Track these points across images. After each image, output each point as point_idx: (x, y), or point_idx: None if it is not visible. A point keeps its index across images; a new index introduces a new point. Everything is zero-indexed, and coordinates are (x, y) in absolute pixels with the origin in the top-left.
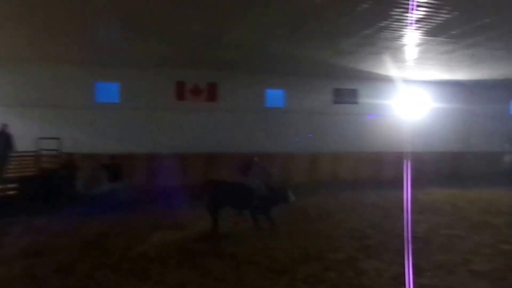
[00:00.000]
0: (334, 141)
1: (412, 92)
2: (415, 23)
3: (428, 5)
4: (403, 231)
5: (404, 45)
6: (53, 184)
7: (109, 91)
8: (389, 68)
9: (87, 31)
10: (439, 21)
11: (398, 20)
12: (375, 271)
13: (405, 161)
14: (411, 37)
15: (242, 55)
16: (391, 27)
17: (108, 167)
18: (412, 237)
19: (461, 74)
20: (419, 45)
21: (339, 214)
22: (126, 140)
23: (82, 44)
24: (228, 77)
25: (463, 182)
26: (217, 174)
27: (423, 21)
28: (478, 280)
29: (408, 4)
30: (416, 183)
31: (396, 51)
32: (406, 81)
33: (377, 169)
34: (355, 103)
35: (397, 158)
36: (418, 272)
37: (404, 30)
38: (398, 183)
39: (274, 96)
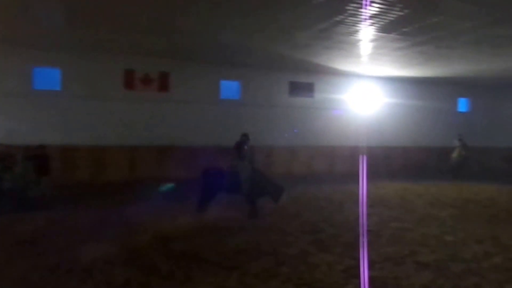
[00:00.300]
0: (290, 135)
1: (366, 87)
2: (369, 19)
3: (382, 2)
4: (355, 224)
5: (358, 40)
6: None
7: (49, 77)
8: (344, 63)
9: (24, 9)
10: (392, 18)
11: (353, 15)
12: (327, 265)
13: (359, 156)
14: (365, 32)
15: (196, 44)
16: (346, 22)
17: (32, 158)
18: (364, 230)
19: (412, 71)
20: (373, 41)
21: (293, 208)
22: (68, 131)
23: (18, 24)
24: (181, 66)
25: (412, 176)
26: (169, 168)
27: (377, 17)
28: (422, 271)
29: (362, 0)
30: (368, 177)
31: (351, 46)
32: (361, 76)
33: (332, 163)
34: (311, 96)
35: (352, 153)
36: (368, 264)
37: (359, 25)
38: (352, 177)
39: (229, 88)
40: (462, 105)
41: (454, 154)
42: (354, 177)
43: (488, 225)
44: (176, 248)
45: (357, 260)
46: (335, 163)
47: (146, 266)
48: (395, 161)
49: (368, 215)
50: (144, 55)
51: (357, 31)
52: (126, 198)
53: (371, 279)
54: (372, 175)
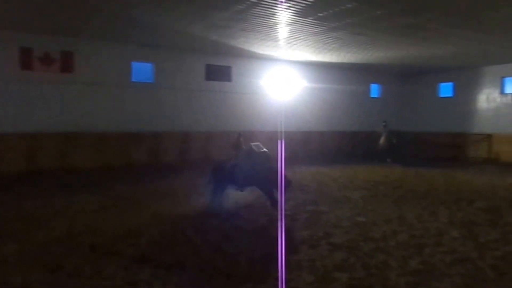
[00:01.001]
0: (207, 120)
1: (284, 72)
2: (286, 2)
3: None
4: (271, 209)
5: (276, 23)
6: None
7: None
8: (262, 46)
9: None
10: (308, 2)
11: None
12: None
13: (277, 140)
14: (282, 16)
15: (102, 21)
16: (262, 3)
17: None
18: (281, 214)
19: (328, 56)
20: (290, 24)
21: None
22: None
23: None
24: (87, 46)
25: (328, 160)
26: (75, 158)
27: (293, 1)
28: (336, 252)
29: None
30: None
31: (268, 29)
32: (279, 60)
33: None
34: (229, 80)
35: (270, 137)
36: (284, 248)
37: (275, 8)
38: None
39: (142, 70)
40: (374, 90)
41: (381, 140)
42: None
43: (396, 205)
44: (84, 242)
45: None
46: None
47: (50, 264)
48: (312, 146)
49: (286, 199)
50: (43, 32)
51: (274, 14)
52: (23, 191)
53: (287, 262)
54: (290, 160)
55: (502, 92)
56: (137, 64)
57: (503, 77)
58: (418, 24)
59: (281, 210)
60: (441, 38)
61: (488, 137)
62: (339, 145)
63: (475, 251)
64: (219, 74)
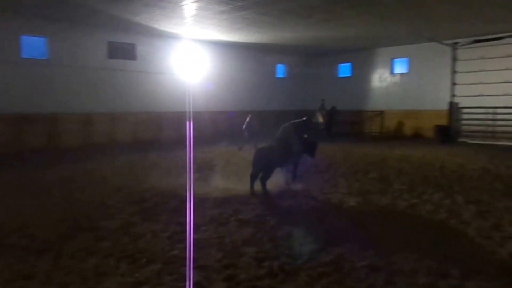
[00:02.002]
0: (111, 100)
1: (193, 51)
2: None
3: None
4: (181, 190)
5: (181, 0)
6: None
7: None
8: (168, 24)
9: None
10: None
11: None
12: (151, 233)
13: (186, 121)
14: None
15: None
16: None
17: None
18: (190, 195)
19: (236, 36)
20: (196, 1)
21: (116, 179)
22: None
23: None
24: None
25: (237, 139)
26: None
27: None
28: (244, 227)
29: None
30: (195, 142)
31: (173, 6)
32: (187, 39)
33: (158, 129)
34: (134, 59)
35: (179, 118)
36: (193, 228)
37: None
38: (179, 143)
39: (34, 44)
40: (280, 71)
41: (319, 119)
42: (182, 143)
43: (302, 179)
44: None
45: (183, 225)
46: (162, 130)
47: None
48: (221, 126)
49: (195, 180)
50: None
51: None
52: None
53: (196, 241)
54: (200, 140)
55: (392, 72)
56: (28, 38)
57: (392, 59)
58: (318, 6)
59: (190, 190)
60: (339, 20)
61: (381, 113)
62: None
63: (369, 216)
64: (122, 52)
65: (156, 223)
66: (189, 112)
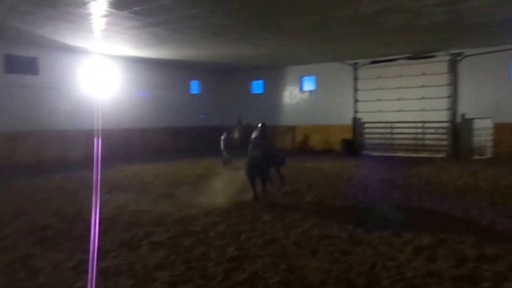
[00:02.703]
0: (9, 118)
1: (102, 66)
2: None
3: None
4: (89, 214)
5: (88, 14)
6: None
7: None
8: (74, 38)
9: None
10: None
11: None
12: (53, 265)
13: (94, 139)
14: (96, 6)
15: None
16: None
17: None
18: (98, 219)
19: (148, 52)
20: (105, 16)
21: (13, 206)
22: None
23: None
24: None
25: (152, 157)
26: None
27: None
28: (157, 250)
29: None
30: (106, 162)
31: (80, 20)
32: (96, 54)
33: (64, 149)
34: (36, 74)
35: (88, 137)
36: (101, 255)
37: None
38: (88, 163)
39: None
40: (194, 87)
41: (236, 135)
42: (91, 163)
43: (218, 196)
44: None
45: (89, 253)
46: (69, 149)
47: None
48: (134, 144)
49: (105, 201)
50: None
51: (85, 3)
52: None
53: (103, 270)
54: (111, 160)
55: (301, 90)
56: None
57: (301, 77)
58: (229, 26)
59: (95, 214)
60: (250, 39)
61: (292, 128)
62: (162, 142)
63: (282, 231)
64: (23, 66)
65: (59, 253)
66: (98, 129)
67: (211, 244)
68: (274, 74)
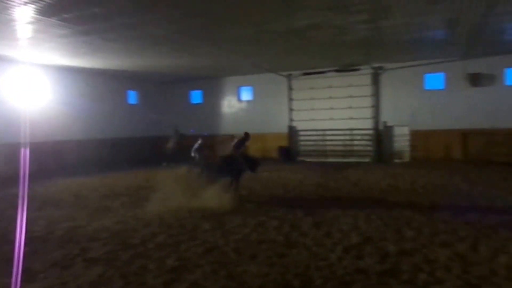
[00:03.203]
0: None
1: (30, 75)
2: None
3: None
4: (16, 234)
5: (12, 20)
6: None
7: None
8: None
9: None
10: (50, 1)
11: None
12: None
13: (21, 153)
14: (21, 12)
15: None
16: None
17: None
18: (27, 238)
19: (81, 61)
20: (31, 23)
21: None
22: None
23: None
24: None
25: (88, 170)
26: None
27: None
28: (92, 267)
29: None
30: (36, 176)
31: (4, 26)
32: (24, 63)
33: None
34: None
35: (12, 151)
36: (29, 277)
37: (11, 2)
38: (14, 179)
39: None
40: (132, 97)
41: (170, 144)
42: (15, 179)
43: (155, 208)
44: None
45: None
46: None
47: None
48: (68, 156)
49: (35, 219)
50: None
51: (7, 8)
52: None
53: None
54: (42, 174)
55: (239, 99)
56: None
57: (239, 87)
58: (165, 36)
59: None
60: (188, 50)
61: (232, 137)
62: (99, 153)
63: (222, 238)
64: None
65: None
66: (25, 142)
67: (150, 256)
68: (212, 84)
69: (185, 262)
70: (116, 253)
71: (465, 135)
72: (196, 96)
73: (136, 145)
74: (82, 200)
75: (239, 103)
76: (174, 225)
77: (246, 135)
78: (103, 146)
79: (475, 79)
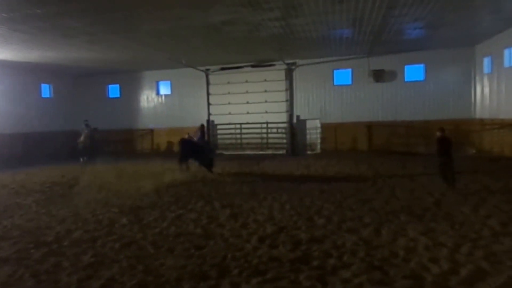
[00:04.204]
0: None
1: None
2: None
3: None
4: None
5: None
6: None
7: None
8: None
9: None
10: None
11: None
12: None
13: None
14: None
15: None
16: None
17: None
18: None
19: None
20: None
21: None
22: None
23: None
24: None
25: None
26: None
27: None
28: (2, 267)
29: None
30: None
31: None
32: None
33: None
34: None
35: None
36: None
37: None
38: None
39: None
40: (45, 90)
41: (81, 139)
42: None
43: (71, 204)
44: None
45: None
46: None
47: None
48: None
49: None
50: None
51: None
52: None
53: None
54: None
55: (158, 93)
56: None
57: (157, 81)
58: (79, 28)
59: None
60: (102, 43)
61: (151, 131)
62: (10, 148)
63: (139, 232)
64: None
65: None
66: None
67: (64, 253)
68: (130, 78)
69: (101, 258)
70: (27, 252)
71: (370, 127)
72: (113, 90)
73: (51, 140)
74: None
75: (157, 97)
76: (90, 220)
77: (202, 125)
78: (15, 141)
79: (379, 76)
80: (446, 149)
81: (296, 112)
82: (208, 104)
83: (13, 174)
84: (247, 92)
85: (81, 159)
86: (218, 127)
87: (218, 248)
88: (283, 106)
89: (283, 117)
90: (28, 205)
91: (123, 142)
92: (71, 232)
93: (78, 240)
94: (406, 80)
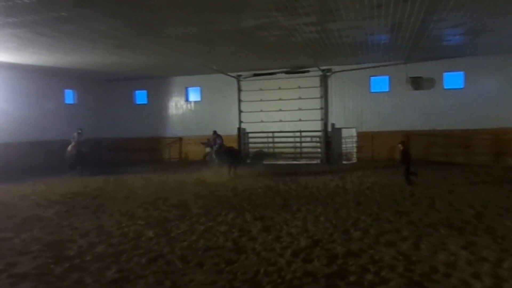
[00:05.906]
0: None
1: None
2: None
3: None
4: None
5: None
6: None
7: None
8: None
9: None
10: None
11: None
12: None
13: None
14: None
15: None
16: None
17: None
18: None
19: (10, 56)
20: None
21: None
22: None
23: None
24: None
25: (18, 175)
26: None
27: None
28: (20, 284)
29: None
30: None
31: None
32: None
33: None
34: None
35: None
36: None
37: None
38: None
39: None
40: (69, 96)
41: (69, 148)
42: None
43: (95, 216)
44: None
45: None
46: None
47: None
48: None
49: None
50: None
51: None
52: None
53: None
54: None
55: (187, 100)
56: None
57: (186, 87)
58: (105, 31)
59: None
60: (129, 47)
61: (179, 139)
62: (30, 157)
63: (167, 246)
64: None
65: None
66: None
67: (87, 269)
68: (158, 84)
69: (126, 273)
70: (48, 267)
71: (408, 136)
72: (140, 96)
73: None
74: (9, 209)
75: (186, 104)
76: (115, 233)
77: (215, 132)
78: (36, 149)
79: (417, 83)
80: (408, 158)
81: (331, 120)
82: (240, 111)
83: (33, 185)
84: (280, 99)
85: (69, 171)
86: (250, 135)
87: (250, 262)
88: (318, 114)
89: (318, 126)
90: (49, 217)
91: (147, 151)
92: (95, 246)
93: (102, 254)
94: (445, 87)
